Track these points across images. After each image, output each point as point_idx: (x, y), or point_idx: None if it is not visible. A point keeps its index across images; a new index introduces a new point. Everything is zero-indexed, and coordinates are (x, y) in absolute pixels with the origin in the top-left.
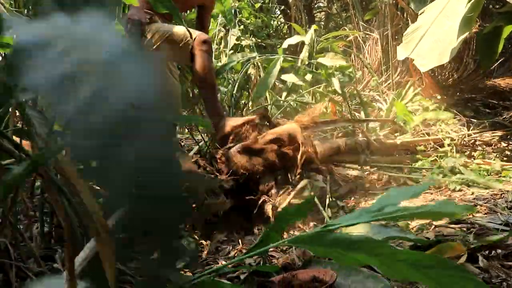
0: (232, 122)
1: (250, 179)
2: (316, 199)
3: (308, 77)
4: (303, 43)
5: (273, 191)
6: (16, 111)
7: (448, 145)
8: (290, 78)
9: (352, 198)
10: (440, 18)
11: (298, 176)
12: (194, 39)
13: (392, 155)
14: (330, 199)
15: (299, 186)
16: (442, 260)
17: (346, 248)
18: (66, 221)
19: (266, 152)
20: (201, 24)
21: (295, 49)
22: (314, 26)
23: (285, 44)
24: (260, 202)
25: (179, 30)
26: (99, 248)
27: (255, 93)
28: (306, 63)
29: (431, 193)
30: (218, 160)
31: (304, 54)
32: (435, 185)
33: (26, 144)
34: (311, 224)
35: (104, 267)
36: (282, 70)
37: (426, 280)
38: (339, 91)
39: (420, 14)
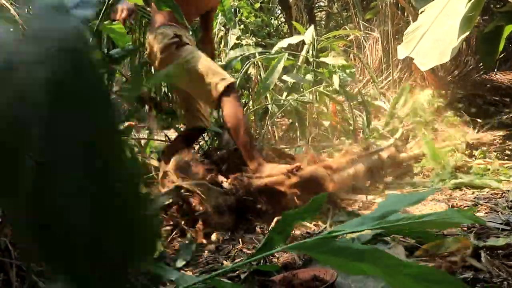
0: (274, 171)
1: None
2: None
3: (309, 76)
4: (303, 42)
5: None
6: None
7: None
8: (291, 77)
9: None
10: (440, 17)
11: None
12: (216, 85)
13: (402, 167)
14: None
15: None
16: (449, 276)
17: (351, 258)
18: None
19: (287, 197)
20: (206, 26)
21: (296, 49)
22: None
23: (285, 43)
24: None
25: (205, 65)
26: None
27: (258, 91)
28: (310, 60)
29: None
30: (231, 180)
31: (304, 52)
32: (438, 191)
33: None
34: (312, 226)
35: None
36: (284, 70)
37: None
38: (337, 88)
39: (421, 13)
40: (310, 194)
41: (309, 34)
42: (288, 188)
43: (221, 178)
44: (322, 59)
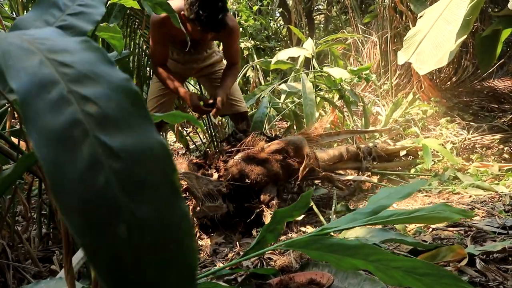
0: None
1: (251, 188)
2: (313, 205)
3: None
4: (299, 43)
5: (274, 201)
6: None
7: (450, 149)
8: (291, 86)
9: (351, 201)
10: (439, 22)
11: (297, 186)
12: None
13: (393, 161)
14: (336, 205)
15: None
16: (438, 268)
17: (343, 254)
18: (64, 222)
19: (271, 162)
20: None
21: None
22: (312, 42)
23: (285, 56)
24: (258, 210)
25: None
26: None
27: (306, 117)
28: (319, 74)
29: (429, 196)
30: (220, 166)
31: (302, 57)
32: (430, 188)
33: (24, 144)
34: (309, 227)
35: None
36: (281, 73)
37: (421, 287)
38: (357, 100)
39: (419, 17)
40: (291, 158)
41: (308, 46)
42: (268, 154)
43: (211, 171)
44: (325, 69)
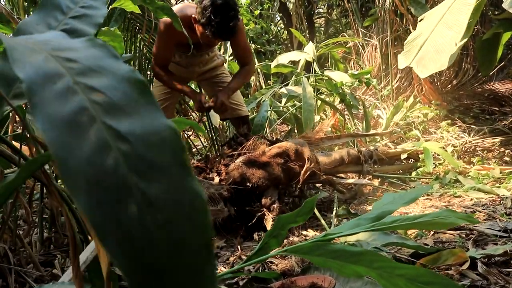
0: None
1: (253, 192)
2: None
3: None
4: (299, 47)
5: (276, 205)
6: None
7: (451, 152)
8: (291, 90)
9: (352, 204)
10: (440, 27)
11: (299, 190)
12: None
13: (394, 164)
14: (337, 208)
15: None
16: (441, 277)
17: (346, 260)
18: (68, 222)
19: (272, 166)
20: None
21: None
22: (312, 46)
23: (285, 59)
24: (259, 214)
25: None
26: (98, 249)
27: (305, 122)
28: (320, 77)
29: (430, 199)
30: (221, 169)
31: (303, 61)
32: (431, 191)
33: (26, 149)
34: (310, 230)
35: (102, 268)
36: (281, 76)
37: None
38: (357, 105)
39: (420, 21)
40: (292, 161)
41: (309, 50)
42: (269, 158)
43: (213, 175)
44: (326, 72)
